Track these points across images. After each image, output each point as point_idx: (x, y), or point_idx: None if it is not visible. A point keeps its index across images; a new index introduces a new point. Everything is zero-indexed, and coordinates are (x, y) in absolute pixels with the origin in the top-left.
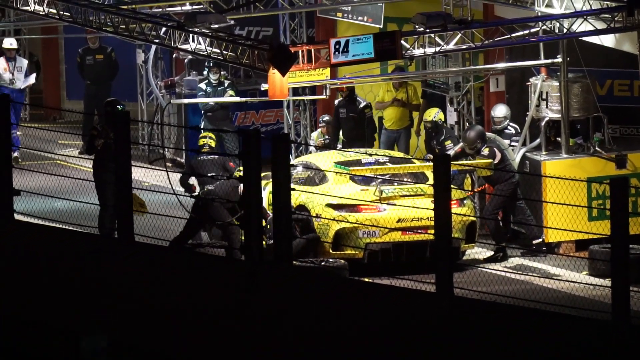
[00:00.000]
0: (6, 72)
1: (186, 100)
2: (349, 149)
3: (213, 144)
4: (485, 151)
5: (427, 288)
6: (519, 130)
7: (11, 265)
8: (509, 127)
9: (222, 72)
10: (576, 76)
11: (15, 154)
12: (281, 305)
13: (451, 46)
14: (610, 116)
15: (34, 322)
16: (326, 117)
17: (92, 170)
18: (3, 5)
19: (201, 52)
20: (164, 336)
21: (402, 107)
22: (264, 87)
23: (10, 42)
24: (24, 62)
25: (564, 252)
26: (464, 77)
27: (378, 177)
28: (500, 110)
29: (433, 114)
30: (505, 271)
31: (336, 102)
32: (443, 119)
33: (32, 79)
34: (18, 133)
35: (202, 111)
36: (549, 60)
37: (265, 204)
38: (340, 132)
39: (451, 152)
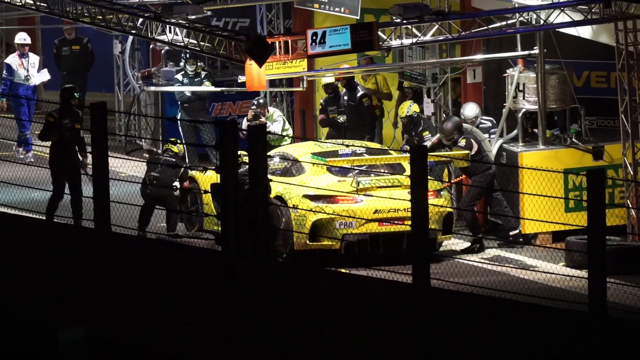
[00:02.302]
0: (21, 68)
1: (163, 89)
2: (327, 141)
3: (176, 150)
4: (462, 142)
5: (403, 279)
6: (495, 123)
7: None
8: (483, 121)
9: (198, 63)
10: (553, 68)
11: (29, 154)
12: (259, 297)
13: (428, 37)
14: (587, 108)
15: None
16: (261, 100)
17: (49, 157)
18: None
19: (178, 43)
20: (141, 329)
21: (374, 95)
22: (241, 79)
23: (23, 38)
24: (36, 58)
25: (541, 244)
26: (441, 68)
27: (355, 168)
28: (470, 110)
29: (405, 109)
30: (482, 262)
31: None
32: (418, 111)
33: (46, 74)
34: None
35: (179, 102)
36: (526, 52)
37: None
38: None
39: (428, 144)
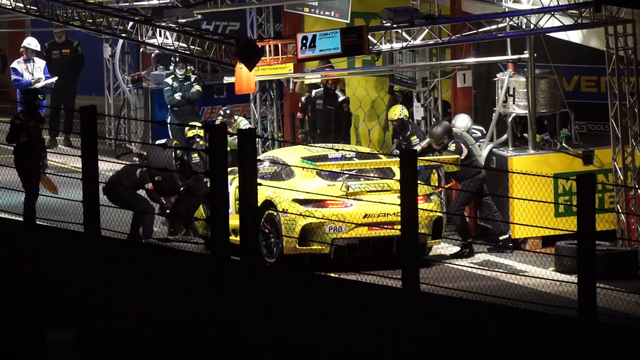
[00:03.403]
0: (26, 72)
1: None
2: (316, 144)
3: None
4: (452, 147)
5: (393, 284)
6: (485, 132)
7: None
8: (473, 131)
9: (188, 67)
10: (543, 72)
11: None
12: (248, 300)
13: (418, 41)
14: (577, 112)
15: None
16: (228, 111)
17: (14, 158)
18: None
19: (168, 47)
20: (129, 331)
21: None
22: (227, 80)
23: (35, 44)
24: (42, 63)
25: (531, 248)
26: (431, 72)
27: (345, 172)
28: (461, 121)
29: (398, 112)
30: (471, 267)
31: (313, 92)
32: (408, 115)
33: (52, 78)
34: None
35: (169, 106)
36: (516, 56)
37: (232, 199)
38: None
39: (418, 148)
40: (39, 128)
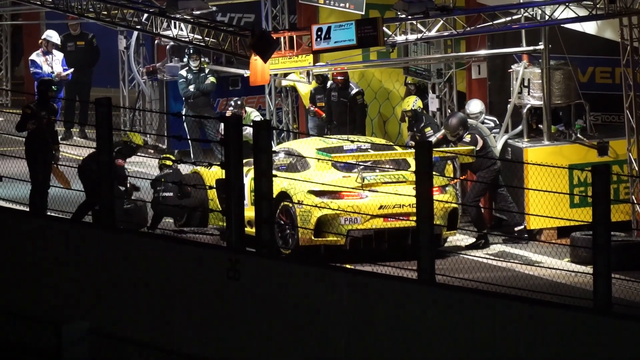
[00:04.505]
0: (45, 64)
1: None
2: (332, 136)
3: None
4: (467, 138)
5: (409, 275)
6: (498, 123)
7: None
8: (486, 121)
9: (202, 59)
10: (558, 63)
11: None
12: (262, 292)
13: (433, 33)
14: (592, 103)
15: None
16: (239, 102)
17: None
18: None
19: (183, 39)
20: (143, 323)
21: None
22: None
23: (57, 37)
24: (60, 55)
25: (546, 239)
26: (445, 64)
27: (360, 163)
28: (475, 106)
29: (411, 102)
30: (487, 258)
31: (328, 85)
32: (422, 106)
33: (68, 70)
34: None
35: (183, 98)
36: (531, 47)
37: (247, 190)
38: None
39: (433, 139)
40: (50, 119)
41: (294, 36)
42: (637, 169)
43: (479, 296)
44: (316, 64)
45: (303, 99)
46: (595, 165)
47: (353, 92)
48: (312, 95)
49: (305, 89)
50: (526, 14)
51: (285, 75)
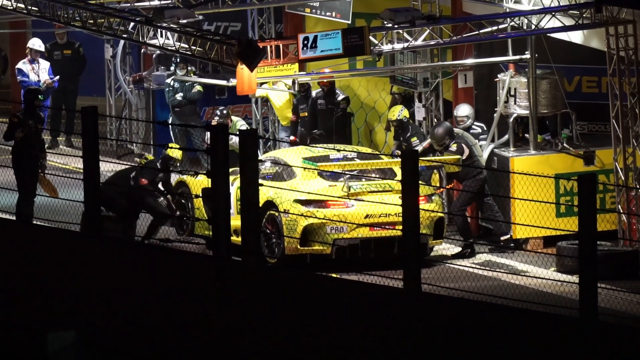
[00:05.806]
0: (32, 73)
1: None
2: (318, 145)
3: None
4: (453, 147)
5: (394, 284)
6: (485, 129)
7: None
8: (474, 127)
9: (189, 68)
10: (544, 72)
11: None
12: (249, 301)
13: (419, 42)
14: (578, 113)
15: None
16: (225, 111)
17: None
18: None
19: (169, 48)
20: (130, 332)
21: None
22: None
23: (39, 44)
24: (46, 64)
25: (532, 249)
26: (432, 73)
27: (346, 172)
28: (463, 110)
29: (397, 112)
30: (473, 267)
31: (314, 93)
32: (408, 116)
33: (55, 78)
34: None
35: (170, 106)
36: (517, 57)
37: (233, 199)
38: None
39: (419, 148)
40: (37, 128)
41: (281, 45)
42: (623, 178)
43: (464, 305)
44: (301, 72)
45: (276, 111)
46: (582, 175)
47: (339, 98)
48: (295, 106)
49: (279, 101)
50: (512, 23)
51: (260, 84)
